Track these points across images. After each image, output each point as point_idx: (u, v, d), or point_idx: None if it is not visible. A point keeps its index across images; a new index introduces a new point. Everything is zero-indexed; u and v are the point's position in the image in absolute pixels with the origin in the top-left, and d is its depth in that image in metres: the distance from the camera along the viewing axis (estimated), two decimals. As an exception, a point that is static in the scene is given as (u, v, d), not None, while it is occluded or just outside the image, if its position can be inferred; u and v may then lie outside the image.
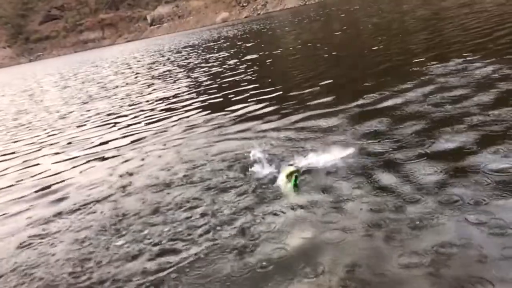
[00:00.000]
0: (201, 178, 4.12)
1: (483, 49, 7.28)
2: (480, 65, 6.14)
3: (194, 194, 3.76)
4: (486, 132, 3.75)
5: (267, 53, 15.60)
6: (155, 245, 3.04)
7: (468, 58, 6.75)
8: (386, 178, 3.27)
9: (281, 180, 3.48)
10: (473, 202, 2.69)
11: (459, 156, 3.39)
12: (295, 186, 3.33)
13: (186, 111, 7.92)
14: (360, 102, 5.69)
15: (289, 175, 3.39)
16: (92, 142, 7.03)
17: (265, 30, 33.36)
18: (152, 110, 8.87)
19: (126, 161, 5.42)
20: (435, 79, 5.99)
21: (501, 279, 2.04)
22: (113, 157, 5.79)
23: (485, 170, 3.06)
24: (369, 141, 4.14)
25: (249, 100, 7.57)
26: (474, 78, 5.55)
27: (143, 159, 5.32)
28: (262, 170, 3.86)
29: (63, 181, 5.16)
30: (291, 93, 7.34)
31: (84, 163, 5.81)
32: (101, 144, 6.80)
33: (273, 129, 5.34)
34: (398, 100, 5.34)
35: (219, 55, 18.85)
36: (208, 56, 19.65)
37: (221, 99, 8.42)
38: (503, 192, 2.73)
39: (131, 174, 4.81)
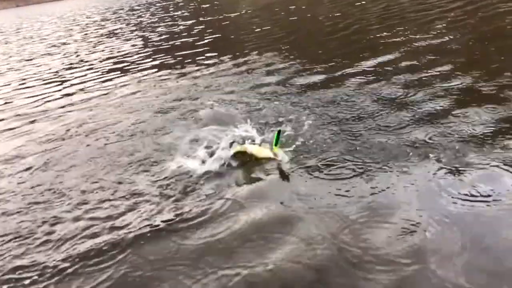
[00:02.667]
0: (151, 139, 4.03)
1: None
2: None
3: (147, 155, 3.67)
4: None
5: (225, 15, 15.14)
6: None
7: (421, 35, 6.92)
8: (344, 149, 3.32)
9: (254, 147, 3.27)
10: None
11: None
12: (276, 143, 3.15)
13: (137, 70, 7.61)
14: (319, 70, 5.63)
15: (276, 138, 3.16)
16: (34, 102, 6.61)
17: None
18: (101, 69, 8.42)
19: (72, 121, 5.17)
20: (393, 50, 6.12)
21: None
22: (55, 117, 5.50)
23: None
24: (326, 109, 4.14)
25: (203, 62, 7.37)
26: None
27: (87, 119, 5.09)
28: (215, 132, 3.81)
29: None
30: (247, 58, 7.20)
31: (24, 122, 5.49)
32: (43, 103, 6.41)
33: (229, 92, 5.25)
34: (354, 71, 5.37)
35: (175, 14, 18.08)
36: (162, 15, 18.79)
37: (174, 60, 8.12)
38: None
39: (76, 134, 4.60)
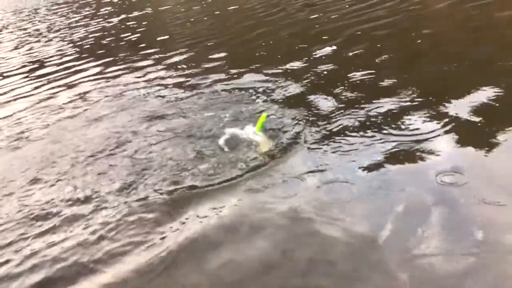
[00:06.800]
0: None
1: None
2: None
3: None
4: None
5: (151, 10, 14.62)
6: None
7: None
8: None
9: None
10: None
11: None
12: (260, 128, 2.96)
13: (61, 74, 7.12)
14: (252, 65, 5.48)
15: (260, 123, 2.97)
16: None
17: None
18: (19, 76, 7.75)
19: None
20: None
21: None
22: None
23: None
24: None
25: (133, 64, 7.00)
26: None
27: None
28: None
29: None
30: (181, 54, 6.98)
31: None
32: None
33: (164, 87, 5.10)
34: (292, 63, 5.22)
35: (98, 12, 17.14)
36: (86, 13, 17.72)
37: (100, 62, 7.65)
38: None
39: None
